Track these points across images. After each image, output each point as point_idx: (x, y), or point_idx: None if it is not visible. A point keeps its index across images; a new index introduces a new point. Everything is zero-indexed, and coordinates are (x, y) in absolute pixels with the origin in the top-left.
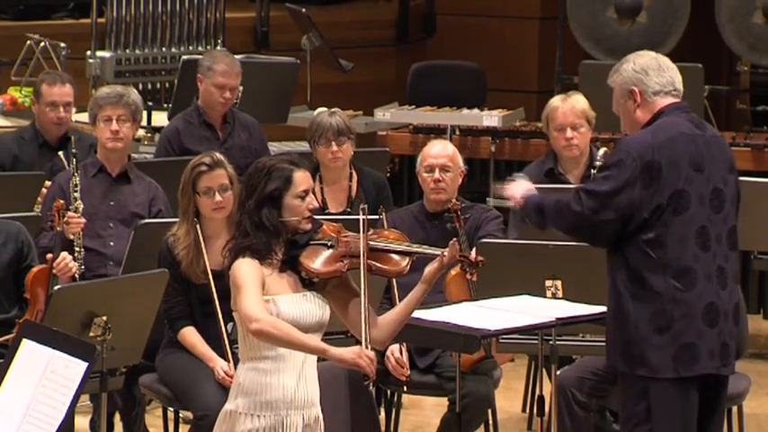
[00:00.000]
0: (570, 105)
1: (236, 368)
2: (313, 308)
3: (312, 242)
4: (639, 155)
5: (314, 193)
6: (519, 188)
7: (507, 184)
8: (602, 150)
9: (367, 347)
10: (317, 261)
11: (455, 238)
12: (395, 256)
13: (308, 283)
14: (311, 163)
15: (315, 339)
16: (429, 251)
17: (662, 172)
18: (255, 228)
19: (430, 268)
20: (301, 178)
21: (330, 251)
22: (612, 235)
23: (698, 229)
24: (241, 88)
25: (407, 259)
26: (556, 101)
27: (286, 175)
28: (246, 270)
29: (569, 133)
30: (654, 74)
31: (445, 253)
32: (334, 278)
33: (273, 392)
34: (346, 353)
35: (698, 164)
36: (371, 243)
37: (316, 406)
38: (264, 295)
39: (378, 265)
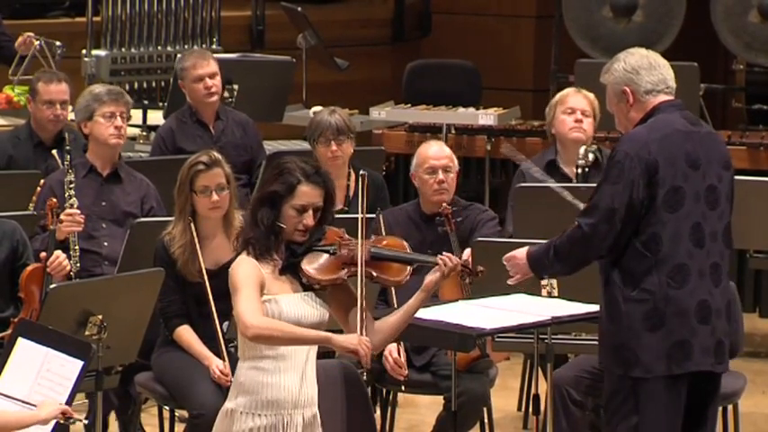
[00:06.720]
0: (583, 94)
1: (232, 366)
2: (312, 310)
3: (314, 248)
4: (637, 154)
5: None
6: (518, 258)
7: (508, 263)
8: (582, 148)
9: (363, 335)
10: (319, 268)
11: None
12: (395, 265)
13: (308, 286)
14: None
15: (314, 330)
16: (429, 259)
17: (659, 169)
18: (254, 223)
19: (431, 277)
20: (305, 192)
21: (331, 258)
22: (619, 239)
23: (692, 225)
24: (236, 87)
25: (408, 268)
26: (568, 89)
27: (290, 184)
28: (245, 271)
29: (579, 115)
30: (645, 73)
31: (445, 261)
32: (334, 284)
33: (275, 392)
34: (349, 339)
35: (693, 161)
36: (373, 250)
37: (315, 404)
38: (266, 294)
39: (378, 273)
